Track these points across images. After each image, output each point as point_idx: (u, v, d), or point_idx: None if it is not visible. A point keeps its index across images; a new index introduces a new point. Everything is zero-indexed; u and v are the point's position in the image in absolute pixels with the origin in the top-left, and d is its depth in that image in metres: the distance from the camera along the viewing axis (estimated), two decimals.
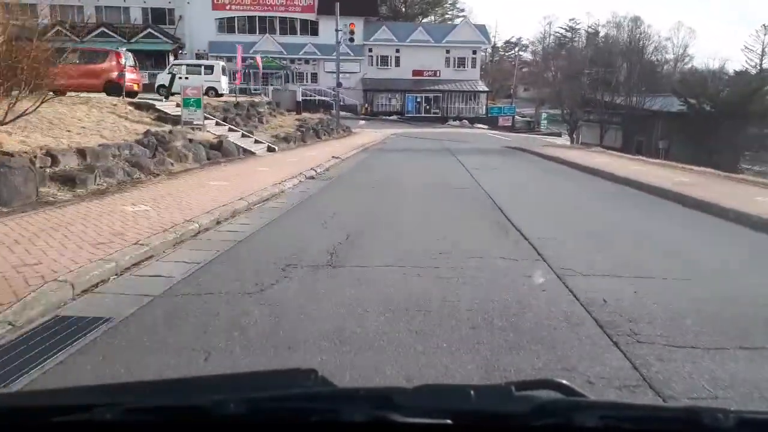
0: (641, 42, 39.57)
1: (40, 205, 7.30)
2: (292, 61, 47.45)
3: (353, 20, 34.06)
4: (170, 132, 12.96)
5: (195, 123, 15.42)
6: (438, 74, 49.23)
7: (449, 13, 70.76)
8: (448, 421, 0.91)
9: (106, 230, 5.97)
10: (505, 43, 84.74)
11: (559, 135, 46.70)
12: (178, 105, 16.13)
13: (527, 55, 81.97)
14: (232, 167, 12.58)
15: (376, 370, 3.10)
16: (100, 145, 10.13)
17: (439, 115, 48.18)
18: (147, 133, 12.09)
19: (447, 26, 56.46)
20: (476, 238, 6.69)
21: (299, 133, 22.90)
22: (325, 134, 25.70)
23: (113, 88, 17.18)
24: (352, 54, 46.89)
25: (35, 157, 8.44)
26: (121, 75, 16.22)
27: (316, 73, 48.48)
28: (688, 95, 32.35)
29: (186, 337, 3.54)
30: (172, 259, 5.41)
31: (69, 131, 10.95)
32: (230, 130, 17.30)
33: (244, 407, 0.92)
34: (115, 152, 10.31)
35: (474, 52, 50.84)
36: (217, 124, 17.32)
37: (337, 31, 32.86)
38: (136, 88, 18.46)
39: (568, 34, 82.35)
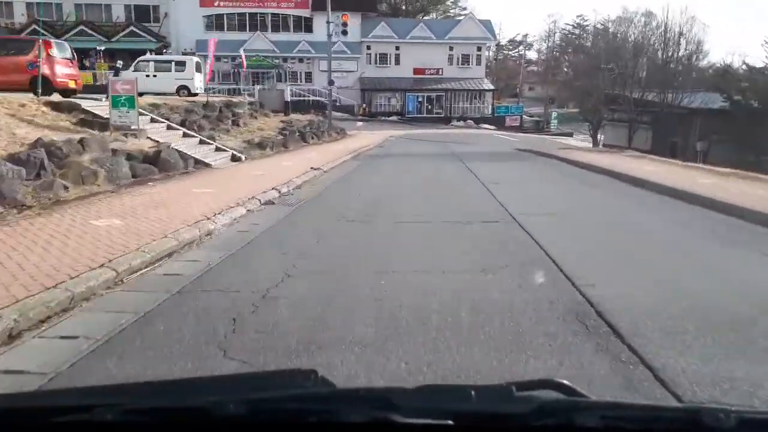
0: (667, 35, 35.53)
1: None
2: (286, 59, 44.16)
3: (349, 16, 30.63)
4: (80, 141, 9.42)
5: (132, 127, 11.94)
6: (440, 72, 45.70)
7: (451, 11, 67.36)
8: (449, 422, 0.90)
9: None
10: (509, 41, 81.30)
11: (570, 135, 43.47)
12: None
13: (532, 54, 78.72)
14: (160, 188, 8.98)
15: None
16: None
17: (442, 115, 44.83)
18: (36, 143, 8.54)
19: (450, 22, 52.91)
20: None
21: (281, 137, 19.59)
22: (313, 138, 22.35)
23: (42, 84, 13.72)
24: (348, 52, 43.69)
25: None
26: (35, 66, 12.69)
27: (310, 73, 45.23)
28: (731, 90, 28.46)
29: None
30: None
31: None
32: (184, 135, 13.79)
33: (244, 408, 0.92)
34: None
35: (479, 49, 47.33)
36: (169, 128, 13.82)
37: (328, 23, 29.49)
38: (72, 85, 14.97)
39: (576, 31, 78.96)
